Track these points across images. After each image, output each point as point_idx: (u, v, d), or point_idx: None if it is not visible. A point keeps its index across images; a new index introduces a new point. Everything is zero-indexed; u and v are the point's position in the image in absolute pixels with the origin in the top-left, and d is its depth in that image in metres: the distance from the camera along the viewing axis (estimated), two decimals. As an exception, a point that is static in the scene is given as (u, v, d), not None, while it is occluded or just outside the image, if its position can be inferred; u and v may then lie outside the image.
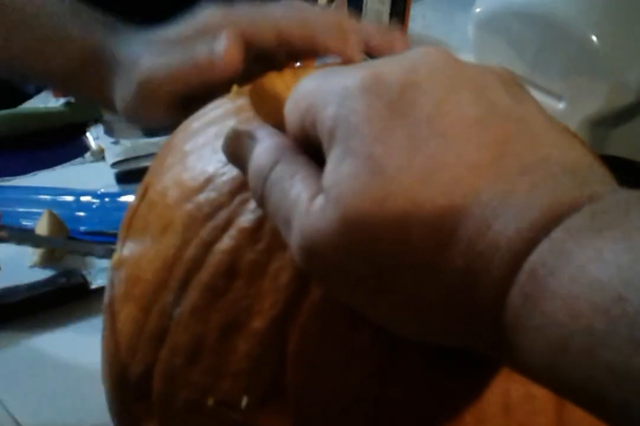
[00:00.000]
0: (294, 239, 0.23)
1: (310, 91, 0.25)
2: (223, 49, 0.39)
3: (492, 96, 0.23)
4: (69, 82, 0.52)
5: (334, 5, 0.88)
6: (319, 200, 0.22)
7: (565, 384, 0.19)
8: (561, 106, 0.62)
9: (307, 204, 0.23)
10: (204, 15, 0.44)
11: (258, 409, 0.27)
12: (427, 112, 0.22)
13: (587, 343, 0.18)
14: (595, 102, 0.60)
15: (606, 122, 0.62)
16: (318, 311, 0.26)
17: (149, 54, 0.45)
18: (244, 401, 0.27)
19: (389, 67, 0.24)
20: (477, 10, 0.67)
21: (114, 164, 0.73)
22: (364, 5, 0.74)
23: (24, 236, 0.60)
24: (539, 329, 0.19)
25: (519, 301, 0.20)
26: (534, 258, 0.19)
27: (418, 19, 0.72)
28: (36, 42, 0.50)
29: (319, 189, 0.23)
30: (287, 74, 0.41)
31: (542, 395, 0.27)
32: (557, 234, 0.19)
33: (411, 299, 0.22)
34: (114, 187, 0.71)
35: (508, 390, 0.26)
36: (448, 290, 0.21)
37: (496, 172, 0.21)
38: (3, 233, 0.58)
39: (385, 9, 0.70)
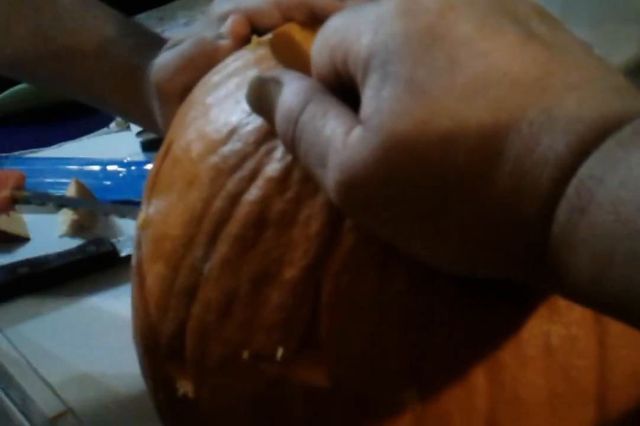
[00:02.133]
0: (332, 175, 0.23)
1: (341, 25, 0.24)
2: (228, 30, 0.41)
3: (530, 24, 0.23)
4: (117, 106, 0.54)
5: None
6: (357, 131, 0.22)
7: (609, 299, 0.19)
8: (593, 55, 0.60)
9: (343, 138, 0.22)
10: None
11: (293, 360, 0.27)
12: (468, 35, 0.21)
13: (633, 248, 0.18)
14: (627, 50, 0.58)
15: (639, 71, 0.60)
16: (351, 258, 0.26)
17: (161, 54, 0.46)
18: (279, 353, 0.27)
19: None
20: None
21: (139, 133, 0.73)
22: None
23: (47, 197, 0.60)
24: (585, 242, 0.19)
25: (565, 215, 0.19)
26: (582, 170, 0.19)
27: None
28: (86, 61, 0.51)
29: (354, 123, 0.22)
30: (305, 24, 0.40)
31: (584, 336, 0.26)
32: (606, 145, 0.19)
33: (456, 225, 0.21)
34: (139, 156, 0.71)
35: (549, 331, 0.26)
36: (495, 212, 0.20)
37: (542, 89, 0.20)
38: (26, 193, 0.58)
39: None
